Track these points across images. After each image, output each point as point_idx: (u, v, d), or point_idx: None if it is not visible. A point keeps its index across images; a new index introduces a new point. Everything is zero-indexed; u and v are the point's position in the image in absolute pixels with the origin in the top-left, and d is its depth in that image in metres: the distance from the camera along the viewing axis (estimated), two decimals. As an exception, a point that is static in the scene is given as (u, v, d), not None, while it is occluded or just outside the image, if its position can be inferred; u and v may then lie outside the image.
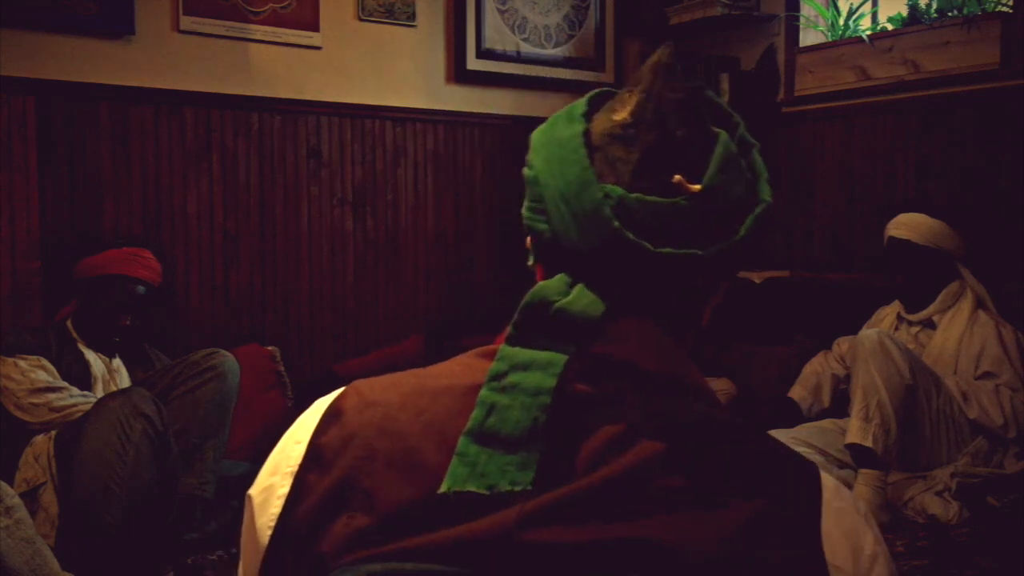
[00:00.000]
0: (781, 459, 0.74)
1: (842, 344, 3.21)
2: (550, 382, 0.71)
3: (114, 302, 2.69)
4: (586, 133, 0.77)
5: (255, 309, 3.41)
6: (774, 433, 2.81)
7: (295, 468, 0.76)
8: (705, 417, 0.74)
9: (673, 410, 0.73)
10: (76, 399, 2.47)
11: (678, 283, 0.77)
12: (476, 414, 0.71)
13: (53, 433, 2.39)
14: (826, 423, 2.97)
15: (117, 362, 2.74)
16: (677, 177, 0.74)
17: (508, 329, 0.76)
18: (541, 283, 0.76)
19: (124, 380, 2.71)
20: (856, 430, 2.61)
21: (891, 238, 3.00)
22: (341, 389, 0.79)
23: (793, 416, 3.11)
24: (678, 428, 0.71)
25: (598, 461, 0.69)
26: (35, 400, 2.44)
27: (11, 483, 2.34)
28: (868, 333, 2.73)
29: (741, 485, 0.69)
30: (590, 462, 0.69)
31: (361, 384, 0.79)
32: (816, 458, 2.74)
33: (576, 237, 0.75)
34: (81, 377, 2.60)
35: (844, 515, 0.71)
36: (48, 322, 2.81)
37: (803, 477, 0.72)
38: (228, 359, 2.60)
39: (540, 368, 0.72)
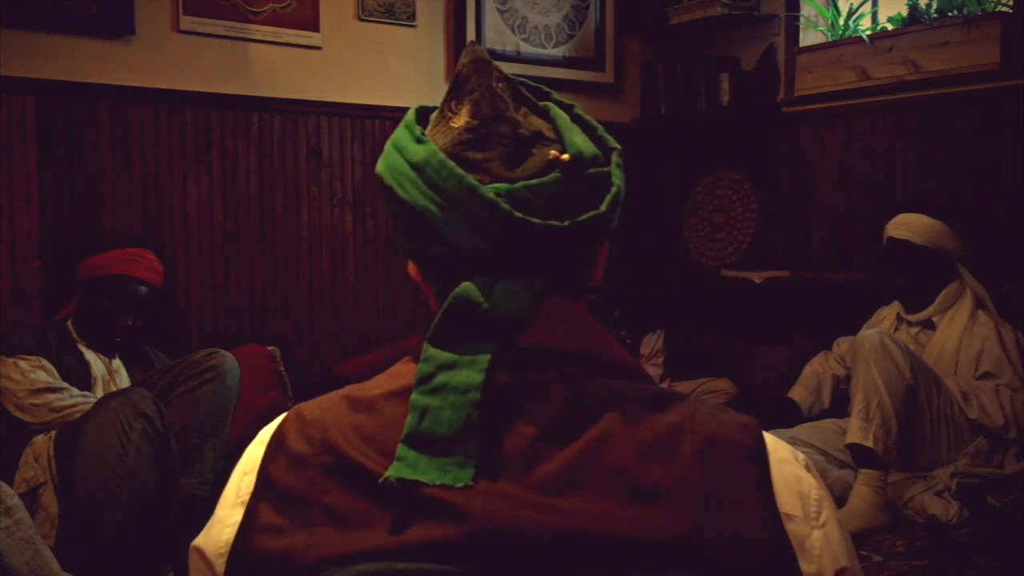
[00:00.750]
0: (724, 413, 0.76)
1: (842, 344, 3.21)
2: (478, 378, 0.73)
3: (116, 302, 2.69)
4: (440, 150, 0.79)
5: (255, 309, 3.41)
6: (774, 433, 2.81)
7: (246, 498, 0.77)
8: (634, 388, 0.76)
9: (599, 387, 0.75)
10: (76, 399, 2.47)
11: (576, 252, 0.80)
12: (410, 420, 0.73)
13: (53, 433, 2.39)
14: (826, 423, 2.97)
15: (117, 362, 2.74)
16: (552, 153, 0.78)
17: (430, 330, 0.77)
18: (463, 285, 0.77)
19: (124, 380, 2.71)
20: (856, 430, 2.61)
21: (890, 238, 3.00)
22: (282, 416, 0.81)
23: (793, 416, 3.11)
24: (609, 403, 0.74)
25: (536, 444, 0.71)
26: (35, 400, 2.44)
27: (11, 483, 2.34)
28: (869, 333, 2.73)
29: (690, 445, 0.72)
30: (529, 447, 0.71)
31: (301, 407, 0.80)
32: (816, 458, 2.74)
33: (475, 243, 0.76)
34: (81, 377, 2.59)
35: (785, 464, 0.75)
36: (48, 322, 2.80)
37: (746, 430, 0.75)
38: (228, 359, 2.60)
39: (466, 366, 0.74)
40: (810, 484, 0.75)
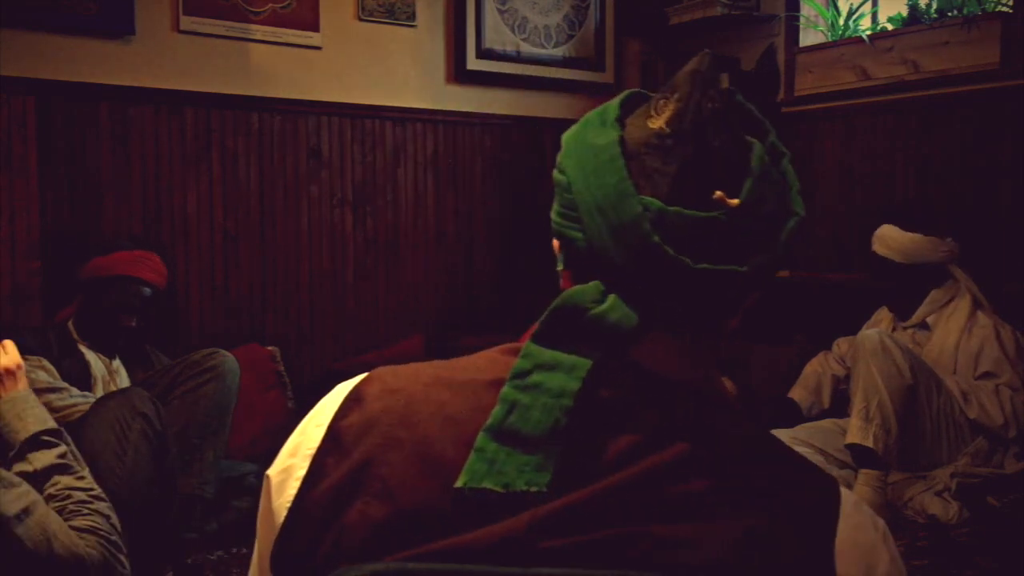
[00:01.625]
0: (800, 470, 0.73)
1: (842, 345, 3.21)
2: (574, 385, 0.71)
3: (119, 303, 2.69)
4: (621, 140, 0.76)
5: (255, 309, 3.41)
6: (776, 433, 2.81)
7: (314, 450, 0.75)
8: (726, 427, 0.73)
9: (695, 419, 0.72)
10: (76, 399, 2.47)
11: (713, 298, 0.75)
12: (497, 411, 0.71)
13: (53, 433, 2.39)
14: (826, 423, 2.97)
15: (117, 363, 2.74)
16: (718, 193, 0.73)
17: (536, 328, 0.75)
18: (575, 288, 0.74)
19: (124, 380, 2.71)
20: (856, 430, 2.61)
21: (873, 253, 3.01)
22: (364, 374, 0.79)
23: (794, 416, 3.11)
24: (698, 436, 0.71)
25: (616, 467, 0.68)
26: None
27: (11, 483, 2.34)
28: (869, 333, 2.73)
29: (758, 494, 0.69)
30: (608, 468, 0.68)
31: (384, 371, 0.79)
32: (816, 458, 2.74)
33: (612, 248, 0.74)
34: (81, 377, 2.59)
35: (861, 531, 0.70)
36: (48, 322, 2.80)
37: (821, 489, 0.72)
38: (228, 359, 2.60)
39: (565, 370, 0.71)
40: (882, 559, 0.70)
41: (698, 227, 0.72)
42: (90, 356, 2.66)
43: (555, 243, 0.82)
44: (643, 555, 0.65)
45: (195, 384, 2.54)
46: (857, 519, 0.71)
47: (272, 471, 0.78)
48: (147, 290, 2.74)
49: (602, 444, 0.70)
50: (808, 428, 2.94)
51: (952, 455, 2.74)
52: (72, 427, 2.33)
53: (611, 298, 0.73)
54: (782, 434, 2.82)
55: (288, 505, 0.75)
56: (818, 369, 3.23)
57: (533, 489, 0.67)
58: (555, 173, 0.80)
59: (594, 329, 0.73)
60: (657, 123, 0.75)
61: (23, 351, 2.52)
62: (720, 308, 0.78)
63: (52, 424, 1.58)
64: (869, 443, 2.58)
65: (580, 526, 0.66)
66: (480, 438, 0.70)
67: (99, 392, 2.59)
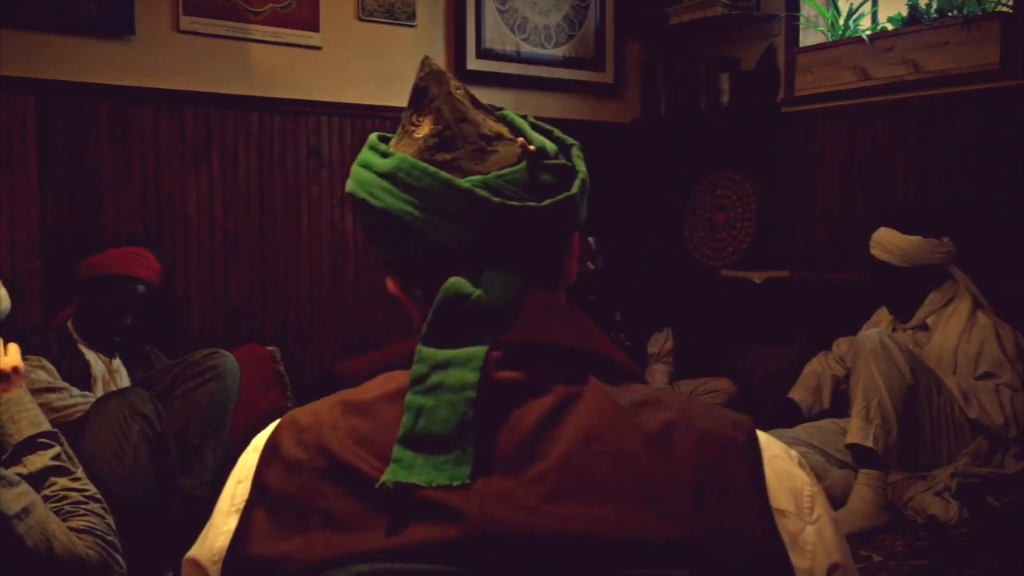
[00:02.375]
0: (718, 411, 0.77)
1: (842, 345, 3.21)
2: (472, 376, 0.73)
3: (114, 302, 2.69)
4: (409, 157, 0.80)
5: (255, 309, 3.41)
6: (774, 433, 2.81)
7: (240, 505, 0.77)
8: (625, 386, 0.77)
9: (591, 384, 0.75)
10: (76, 399, 2.47)
11: (549, 238, 0.81)
12: (405, 420, 0.73)
13: (53, 433, 2.39)
14: (826, 423, 2.97)
15: (117, 362, 2.74)
16: (521, 141, 0.81)
17: (423, 330, 0.77)
18: (450, 280, 0.77)
19: (124, 380, 2.71)
20: (857, 430, 2.61)
21: (872, 256, 3.00)
22: (276, 423, 0.81)
23: (794, 417, 3.11)
24: (603, 399, 0.74)
25: (532, 441, 0.71)
26: (35, 400, 2.43)
27: (11, 483, 2.34)
28: (869, 333, 2.73)
29: (687, 437, 0.73)
30: (525, 445, 0.71)
31: (295, 413, 0.81)
32: (816, 458, 2.74)
33: (456, 234, 0.78)
34: (81, 377, 2.59)
35: (778, 461, 0.76)
36: (48, 322, 2.80)
37: (740, 427, 0.75)
38: (228, 359, 2.60)
39: (461, 364, 0.74)
40: (803, 480, 0.76)
41: (517, 180, 0.79)
42: (90, 356, 2.66)
43: (390, 284, 0.86)
44: (596, 520, 0.68)
45: (195, 384, 2.54)
46: (772, 451, 0.76)
47: (192, 552, 0.81)
48: (141, 287, 2.74)
49: (511, 424, 0.72)
50: (808, 428, 2.94)
51: (952, 455, 2.74)
52: (72, 427, 2.33)
53: (485, 277, 0.77)
54: (782, 434, 2.82)
55: (219, 558, 0.76)
56: (818, 369, 3.23)
57: (456, 483, 0.70)
58: (362, 220, 0.84)
59: (481, 314, 0.76)
60: (423, 130, 0.82)
61: (23, 351, 2.52)
62: (551, 249, 0.83)
63: (47, 426, 1.58)
64: (869, 443, 2.58)
65: (525, 507, 0.69)
66: (395, 450, 0.72)
67: (99, 392, 2.59)
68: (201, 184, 3.28)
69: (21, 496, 1.30)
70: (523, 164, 0.80)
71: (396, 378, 0.79)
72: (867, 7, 3.71)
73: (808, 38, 3.82)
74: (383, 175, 0.80)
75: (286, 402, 3.23)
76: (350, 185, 0.84)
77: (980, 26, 3.20)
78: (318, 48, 3.47)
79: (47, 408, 2.43)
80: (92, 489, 1.51)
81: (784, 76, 3.85)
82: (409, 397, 0.74)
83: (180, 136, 3.23)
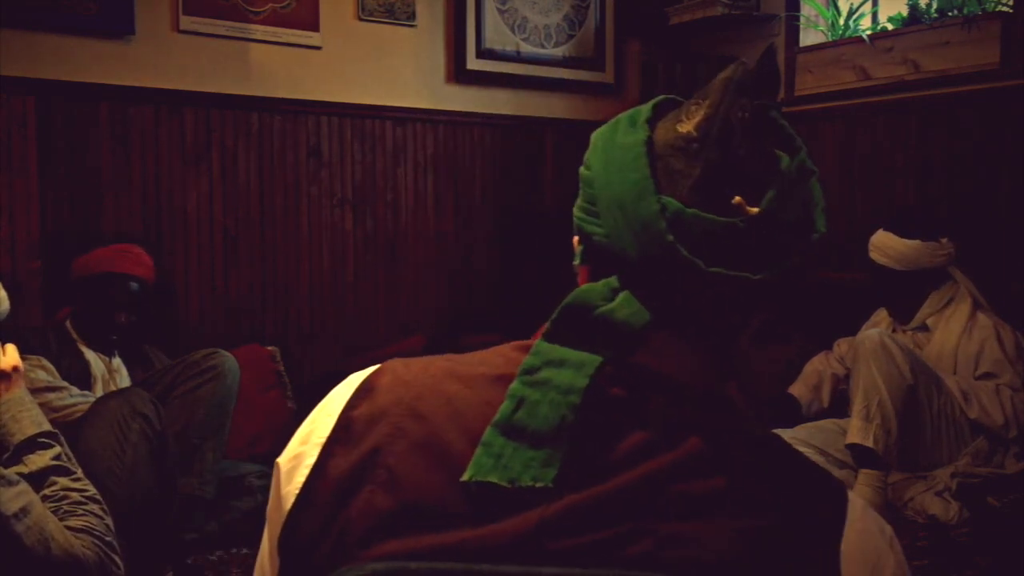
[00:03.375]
0: (809, 474, 0.73)
1: (842, 345, 3.21)
2: (582, 382, 0.71)
3: (108, 300, 2.69)
4: (648, 141, 0.76)
5: (255, 309, 3.41)
6: (775, 433, 2.80)
7: (324, 439, 0.76)
8: (736, 428, 0.74)
9: (703, 420, 0.72)
10: (75, 399, 2.47)
11: (724, 303, 0.75)
12: (505, 406, 0.71)
13: (53, 433, 2.39)
14: (826, 423, 2.97)
15: (117, 362, 2.74)
16: (737, 198, 0.73)
17: (546, 326, 0.75)
18: (585, 285, 0.75)
19: (124, 380, 2.71)
20: (857, 430, 2.61)
21: (871, 260, 3.00)
22: (376, 365, 0.80)
23: (794, 412, 3.10)
24: (707, 436, 0.71)
25: (622, 466, 0.69)
26: (35, 400, 2.43)
27: (11, 483, 2.34)
28: (869, 333, 2.73)
29: (764, 496, 0.69)
30: (615, 466, 0.69)
31: (396, 363, 0.80)
32: (816, 458, 2.74)
33: (628, 245, 0.74)
34: (81, 377, 2.59)
35: (868, 536, 0.70)
36: (48, 322, 2.80)
37: (830, 492, 0.72)
38: (228, 359, 2.60)
39: (573, 367, 0.72)
40: (889, 563, 0.70)
41: (715, 231, 0.72)
42: (90, 355, 2.66)
43: (575, 239, 0.82)
44: (647, 552, 0.65)
45: (195, 384, 2.54)
46: (864, 524, 0.71)
47: (282, 459, 0.79)
48: (134, 284, 2.73)
49: (610, 442, 0.70)
50: (808, 428, 2.94)
51: (952, 455, 2.74)
52: (72, 427, 2.33)
53: (621, 296, 0.74)
54: (782, 434, 2.82)
55: (297, 492, 0.75)
56: (819, 368, 3.23)
57: (539, 485, 0.68)
58: (581, 169, 0.81)
59: (603, 326, 0.73)
60: (686, 127, 0.75)
61: (23, 351, 2.52)
62: (731, 315, 0.77)
63: (47, 426, 1.58)
64: (869, 443, 2.58)
65: (588, 525, 0.66)
66: (488, 432, 0.70)
67: (99, 392, 2.59)
68: (201, 184, 3.28)
69: (20, 496, 1.30)
70: (731, 220, 0.72)
71: (509, 361, 0.76)
72: (867, 7, 3.71)
73: (808, 38, 3.82)
74: (617, 144, 0.77)
75: (286, 402, 3.23)
76: (599, 130, 0.80)
77: (980, 26, 3.20)
78: (318, 48, 3.47)
79: (47, 408, 2.43)
80: (92, 490, 1.52)
81: (784, 76, 3.85)
82: (515, 385, 0.72)
83: (180, 136, 3.23)
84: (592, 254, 0.80)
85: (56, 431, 1.56)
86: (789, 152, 0.78)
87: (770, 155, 0.76)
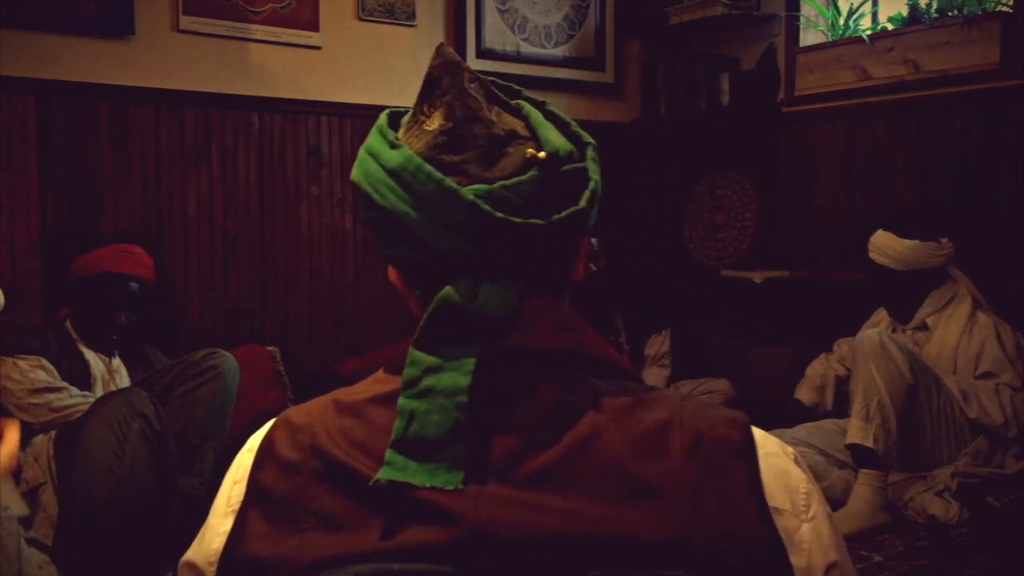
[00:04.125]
0: (714, 409, 0.76)
1: (842, 346, 3.21)
2: (465, 380, 0.73)
3: (108, 300, 2.68)
4: (417, 154, 0.78)
5: (255, 309, 3.41)
6: (774, 433, 2.81)
7: (236, 506, 0.77)
8: (619, 386, 0.76)
9: (586, 386, 0.75)
10: (76, 399, 2.47)
11: (557, 249, 0.79)
12: (397, 424, 0.73)
13: (52, 433, 2.39)
14: (826, 423, 2.97)
15: (117, 362, 2.74)
16: (529, 151, 0.77)
17: (415, 334, 0.77)
18: (446, 289, 0.76)
19: (124, 380, 2.71)
20: (856, 430, 2.61)
21: (870, 260, 3.00)
22: (270, 423, 0.81)
23: (803, 417, 3.09)
24: (597, 400, 0.74)
25: (526, 444, 0.71)
26: (35, 400, 2.43)
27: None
28: (869, 333, 2.73)
29: (677, 435, 0.72)
30: (518, 448, 0.71)
31: (289, 413, 0.80)
32: (816, 458, 2.74)
33: (457, 245, 0.76)
34: (81, 377, 2.59)
35: (774, 459, 0.75)
36: (48, 322, 2.80)
37: (736, 425, 0.75)
38: (228, 359, 2.60)
39: (453, 368, 0.74)
40: (799, 478, 0.75)
41: (524, 191, 0.76)
42: (90, 356, 2.66)
43: (392, 274, 0.85)
44: (588, 521, 0.68)
45: (195, 384, 2.54)
46: (767, 448, 0.75)
47: (188, 554, 0.81)
48: (135, 284, 2.73)
49: (504, 429, 0.72)
50: (808, 428, 2.94)
51: (952, 455, 2.74)
52: (72, 427, 2.33)
53: (483, 289, 0.76)
54: (782, 434, 2.82)
55: (215, 560, 0.76)
56: (820, 370, 3.23)
57: (449, 487, 0.70)
58: (365, 212, 0.82)
59: (476, 323, 0.75)
60: (433, 124, 0.79)
61: (23, 351, 2.53)
62: (560, 259, 0.81)
63: (24, 510, 1.58)
64: (869, 443, 2.58)
65: (521, 507, 0.69)
66: (388, 454, 0.72)
67: (99, 392, 2.59)
68: (201, 184, 3.28)
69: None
70: (531, 173, 0.77)
71: (389, 380, 0.78)
72: (867, 7, 3.71)
73: (808, 38, 3.82)
74: (389, 171, 0.78)
75: (286, 402, 3.23)
76: (355, 173, 0.82)
77: (980, 26, 3.20)
78: (318, 48, 3.47)
79: (47, 408, 2.44)
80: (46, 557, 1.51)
81: (784, 76, 3.85)
82: (401, 401, 0.74)
83: (180, 136, 3.23)
84: (418, 276, 0.82)
85: (28, 514, 1.55)
86: (513, 96, 0.85)
87: (511, 106, 0.83)
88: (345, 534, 0.70)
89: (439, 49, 0.82)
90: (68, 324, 2.70)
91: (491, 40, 3.83)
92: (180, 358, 2.64)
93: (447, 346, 0.75)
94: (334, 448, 0.74)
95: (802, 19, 3.79)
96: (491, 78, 0.85)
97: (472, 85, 0.80)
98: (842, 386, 3.13)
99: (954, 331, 2.90)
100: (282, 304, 3.46)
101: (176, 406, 2.50)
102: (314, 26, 3.45)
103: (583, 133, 0.84)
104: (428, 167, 0.76)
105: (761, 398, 3.40)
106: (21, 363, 2.48)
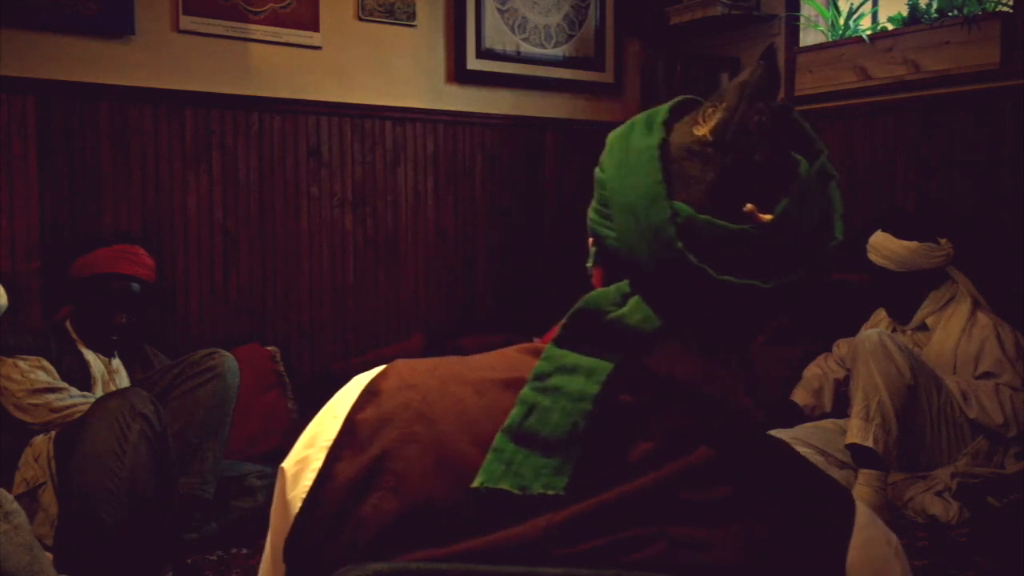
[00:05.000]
0: (817, 481, 0.73)
1: (841, 346, 3.21)
2: (593, 388, 0.70)
3: (108, 300, 2.68)
4: (663, 144, 0.74)
5: (255, 309, 3.41)
6: (774, 433, 2.81)
7: (330, 442, 0.75)
8: (745, 435, 0.73)
9: (713, 426, 0.72)
10: (75, 399, 2.47)
11: (734, 311, 0.73)
12: (516, 412, 0.70)
13: (52, 433, 2.39)
14: (826, 423, 2.97)
15: (117, 362, 2.74)
16: (749, 206, 0.71)
17: (557, 331, 0.74)
18: (596, 291, 0.75)
19: (123, 380, 2.71)
20: (857, 430, 2.61)
21: (870, 260, 3.00)
22: (382, 367, 0.79)
23: (796, 419, 3.10)
24: (717, 443, 0.70)
25: (635, 472, 0.68)
26: (34, 401, 2.43)
27: (11, 482, 2.34)
28: (869, 333, 2.73)
29: (772, 503, 0.69)
30: (627, 473, 0.68)
31: (402, 364, 0.79)
32: (816, 458, 2.74)
33: (639, 250, 0.73)
34: (81, 378, 2.59)
35: (874, 544, 0.70)
36: (48, 323, 2.80)
37: (837, 500, 0.72)
38: (228, 359, 2.60)
39: (585, 373, 0.71)
40: (894, 570, 0.71)
41: (726, 238, 0.70)
42: (89, 356, 2.66)
43: (589, 240, 0.82)
44: (656, 556, 0.65)
45: (195, 384, 2.54)
46: (870, 532, 0.70)
47: (287, 463, 0.78)
48: (135, 285, 2.73)
49: (621, 449, 0.69)
50: (808, 428, 2.94)
51: (952, 455, 2.74)
52: (72, 427, 2.33)
53: (632, 301, 0.73)
54: (782, 434, 2.82)
55: (303, 496, 0.74)
56: (818, 372, 3.23)
57: (550, 492, 0.67)
58: (596, 171, 0.80)
59: (614, 332, 0.72)
60: (702, 130, 0.74)
61: (23, 351, 2.53)
62: (742, 323, 0.76)
63: None
64: (869, 443, 2.58)
65: (596, 531, 0.66)
66: (498, 438, 0.70)
67: (99, 392, 2.59)
68: (201, 184, 3.28)
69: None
70: (742, 227, 0.71)
71: (519, 365, 0.75)
72: (867, 7, 3.71)
73: (808, 38, 3.82)
74: (631, 146, 0.75)
75: (286, 402, 3.23)
76: (617, 130, 0.79)
77: (980, 26, 3.20)
78: (318, 48, 3.47)
79: (47, 408, 2.44)
80: None
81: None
82: (526, 391, 0.71)
83: (180, 136, 3.23)
84: (605, 257, 0.79)
85: None
86: (809, 156, 0.76)
87: (788, 160, 0.74)
88: (419, 509, 0.69)
89: (755, 67, 0.75)
90: (68, 324, 2.70)
91: (491, 40, 3.83)
92: (180, 358, 2.63)
93: (585, 350, 0.72)
94: (440, 418, 0.72)
95: (802, 19, 3.79)
96: (803, 123, 0.79)
97: (759, 118, 0.73)
98: (841, 389, 3.13)
99: (954, 331, 2.90)
100: (282, 304, 3.46)
101: (176, 406, 2.50)
102: (314, 26, 3.45)
103: (839, 226, 0.78)
104: (658, 164, 0.73)
105: (761, 398, 3.40)
106: (21, 363, 2.48)
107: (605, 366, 0.71)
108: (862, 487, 2.56)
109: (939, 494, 2.60)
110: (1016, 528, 2.45)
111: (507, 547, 0.66)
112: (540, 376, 0.72)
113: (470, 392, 0.74)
